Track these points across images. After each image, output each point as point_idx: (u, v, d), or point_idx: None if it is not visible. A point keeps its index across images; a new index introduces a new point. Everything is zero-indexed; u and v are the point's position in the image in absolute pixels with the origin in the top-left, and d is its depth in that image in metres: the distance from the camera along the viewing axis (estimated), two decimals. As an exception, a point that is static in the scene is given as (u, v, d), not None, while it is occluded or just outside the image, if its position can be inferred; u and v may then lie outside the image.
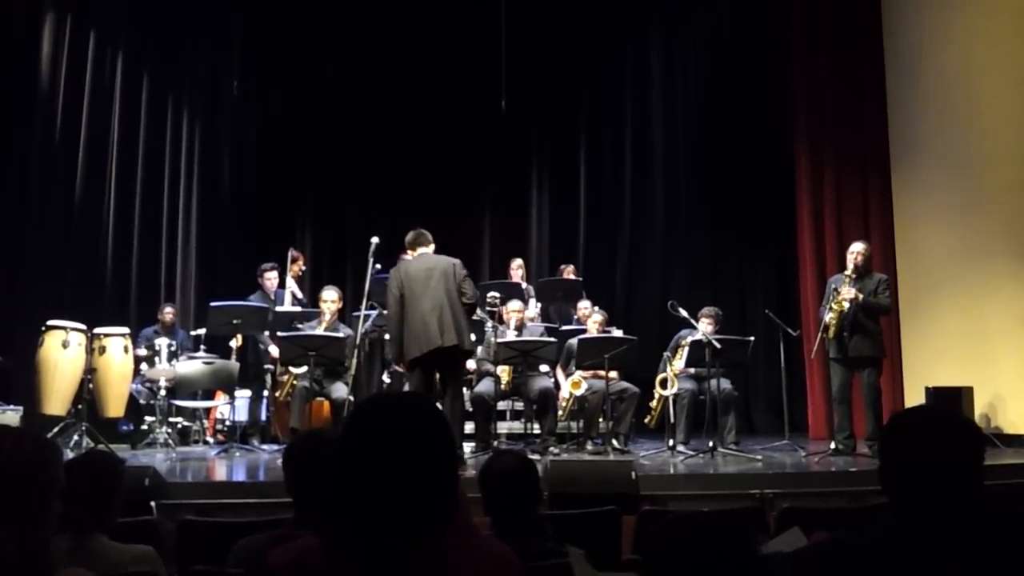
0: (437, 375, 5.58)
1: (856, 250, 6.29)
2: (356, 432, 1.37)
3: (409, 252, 5.75)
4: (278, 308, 7.05)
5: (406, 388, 6.29)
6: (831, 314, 6.14)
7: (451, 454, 1.41)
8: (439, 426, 1.39)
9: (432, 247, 5.73)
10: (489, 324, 6.78)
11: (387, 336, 6.93)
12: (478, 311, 6.40)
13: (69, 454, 5.00)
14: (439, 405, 5.49)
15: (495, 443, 6.36)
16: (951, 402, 6.39)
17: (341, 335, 6.39)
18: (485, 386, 6.44)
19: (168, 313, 7.51)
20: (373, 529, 1.31)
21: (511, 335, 6.61)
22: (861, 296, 6.09)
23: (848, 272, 6.19)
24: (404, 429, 1.35)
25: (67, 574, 1.52)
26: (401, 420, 1.36)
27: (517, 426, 7.26)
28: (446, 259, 5.64)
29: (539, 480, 2.65)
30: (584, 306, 7.60)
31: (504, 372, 6.55)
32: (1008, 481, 4.83)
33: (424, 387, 5.45)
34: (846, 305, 6.09)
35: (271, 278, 7.29)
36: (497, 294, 7.13)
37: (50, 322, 6.38)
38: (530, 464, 2.62)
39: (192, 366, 6.66)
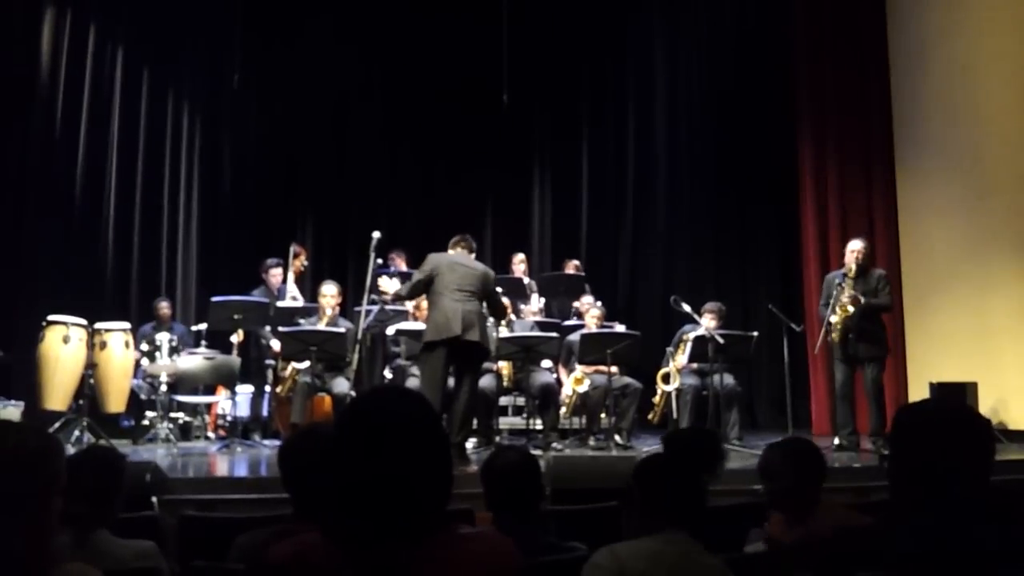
0: (452, 370, 5.60)
1: (856, 248, 6.27)
2: (351, 426, 1.37)
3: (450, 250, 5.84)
4: (279, 303, 7.03)
5: (408, 383, 6.29)
6: (835, 317, 6.11)
7: (445, 447, 1.41)
8: (431, 420, 1.40)
9: (467, 251, 5.82)
10: (490, 320, 6.75)
11: (388, 331, 6.92)
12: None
13: (70, 450, 5.00)
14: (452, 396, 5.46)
15: (497, 439, 6.34)
16: (955, 397, 6.37)
17: (342, 330, 6.38)
18: (487, 381, 6.43)
19: (163, 307, 7.49)
20: (371, 523, 1.30)
21: (503, 331, 6.59)
22: (862, 299, 6.06)
23: (847, 271, 6.17)
24: (398, 423, 1.35)
25: (69, 569, 1.51)
26: (394, 414, 1.36)
27: (519, 421, 7.25)
28: (484, 267, 5.82)
29: (541, 476, 2.64)
30: (587, 301, 7.57)
31: (505, 367, 6.54)
32: (1011, 477, 4.81)
33: (439, 373, 5.44)
34: (850, 309, 6.06)
35: (275, 274, 7.25)
36: (499, 289, 7.10)
37: (51, 317, 6.38)
38: (532, 460, 2.61)
39: (193, 361, 6.64)
